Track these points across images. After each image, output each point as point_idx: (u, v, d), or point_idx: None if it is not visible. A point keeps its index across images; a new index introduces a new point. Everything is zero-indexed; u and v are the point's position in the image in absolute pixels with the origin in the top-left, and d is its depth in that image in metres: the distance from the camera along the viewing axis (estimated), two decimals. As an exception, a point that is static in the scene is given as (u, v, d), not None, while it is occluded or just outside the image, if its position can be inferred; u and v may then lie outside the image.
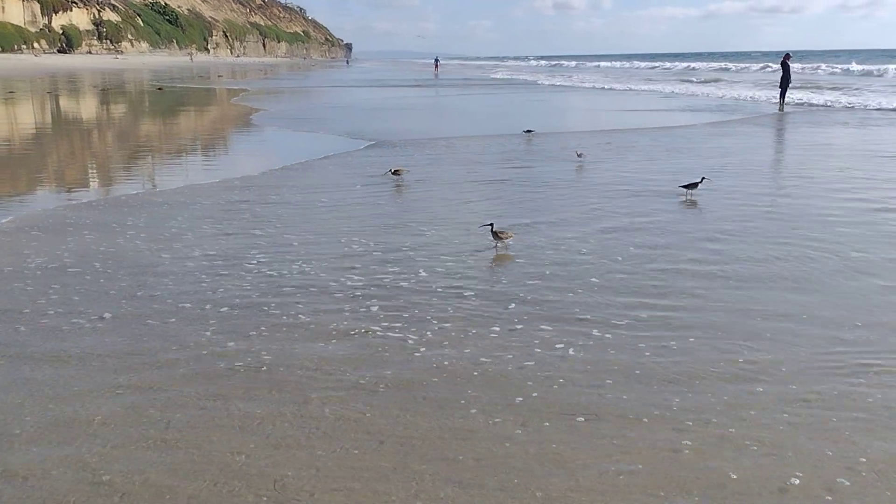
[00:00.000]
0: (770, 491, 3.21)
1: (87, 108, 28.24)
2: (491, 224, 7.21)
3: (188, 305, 5.62)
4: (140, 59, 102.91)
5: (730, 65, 71.16)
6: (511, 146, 15.63)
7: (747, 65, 68.96)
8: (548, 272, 6.45)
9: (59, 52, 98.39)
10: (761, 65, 63.60)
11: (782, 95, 26.22)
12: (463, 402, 4.03)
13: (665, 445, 3.58)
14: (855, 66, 51.74)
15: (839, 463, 3.43)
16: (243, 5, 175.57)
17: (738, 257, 6.94)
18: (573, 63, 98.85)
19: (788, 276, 6.35)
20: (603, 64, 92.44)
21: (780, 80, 26.20)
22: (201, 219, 8.57)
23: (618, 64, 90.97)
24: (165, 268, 6.57)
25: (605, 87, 42.66)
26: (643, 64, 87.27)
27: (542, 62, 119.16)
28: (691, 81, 45.09)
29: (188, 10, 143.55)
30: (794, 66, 26.67)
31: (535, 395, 4.12)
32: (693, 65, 76.48)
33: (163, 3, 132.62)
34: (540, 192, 10.36)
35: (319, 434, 3.69)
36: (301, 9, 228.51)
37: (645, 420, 3.83)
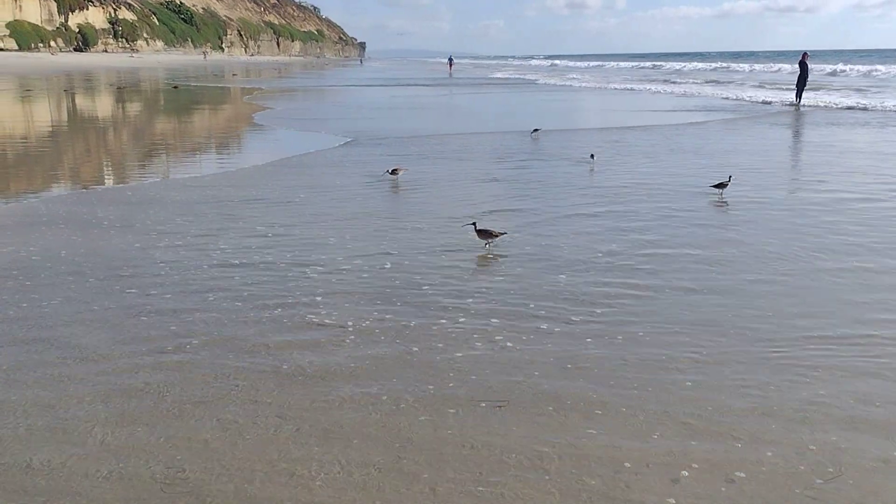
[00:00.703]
0: (663, 481, 3.21)
1: (103, 106, 28.48)
2: (474, 223, 7.00)
3: (134, 291, 5.72)
4: (155, 57, 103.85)
5: (742, 65, 70.47)
6: (508, 144, 15.58)
7: (760, 65, 68.33)
8: (518, 269, 6.38)
9: (75, 50, 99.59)
10: (768, 65, 62.95)
11: (799, 94, 26.23)
12: (375, 389, 4.06)
13: (567, 432, 3.59)
14: (873, 67, 51.05)
15: (741, 456, 3.41)
16: (258, 4, 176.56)
17: (721, 257, 6.84)
18: (583, 63, 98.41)
19: (770, 279, 6.29)
20: (617, 64, 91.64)
21: (797, 79, 26.20)
22: (174, 212, 8.66)
23: (629, 63, 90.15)
24: (131, 257, 6.65)
25: (605, 87, 42.20)
26: (649, 64, 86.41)
27: (546, 62, 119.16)
28: (700, 83, 44.60)
29: (203, 8, 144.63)
30: (811, 67, 26.63)
31: (451, 385, 4.13)
32: (705, 65, 75.81)
33: (178, 2, 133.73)
34: (532, 191, 10.21)
35: (229, 419, 3.73)
36: (315, 8, 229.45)
37: (550, 408, 3.84)
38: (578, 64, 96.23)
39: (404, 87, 45.12)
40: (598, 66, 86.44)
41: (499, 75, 67.02)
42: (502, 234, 7.01)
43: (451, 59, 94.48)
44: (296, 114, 24.29)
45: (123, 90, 37.18)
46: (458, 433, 3.59)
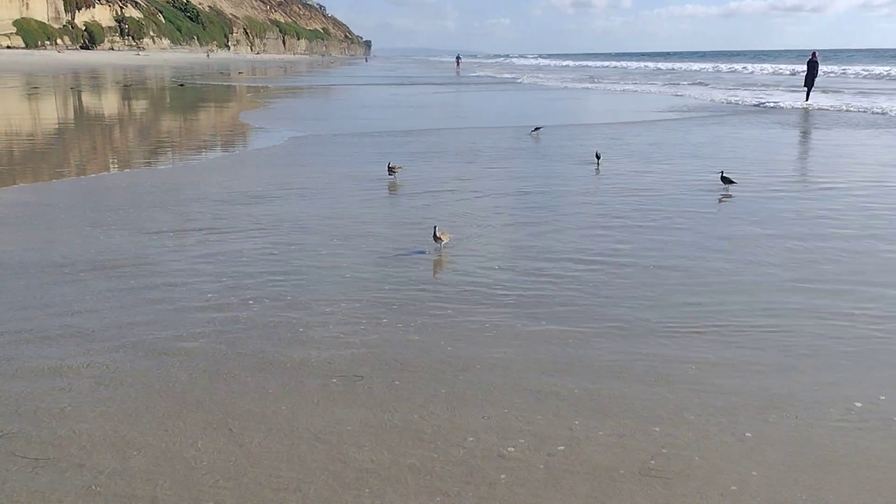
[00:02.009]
0: (490, 455, 3.44)
1: (108, 103, 28.66)
2: (434, 227, 6.82)
3: (43, 270, 6.18)
4: (161, 55, 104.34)
5: (748, 65, 70.17)
6: (480, 140, 15.67)
7: (766, 65, 68.14)
8: (457, 262, 6.50)
9: (81, 48, 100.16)
10: (762, 65, 62.29)
11: (808, 94, 26.53)
12: (236, 361, 4.45)
13: (405, 406, 3.88)
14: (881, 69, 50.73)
15: (566, 432, 3.63)
16: (263, 2, 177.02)
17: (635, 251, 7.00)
18: (580, 62, 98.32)
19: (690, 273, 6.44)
20: (626, 63, 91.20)
21: (805, 78, 26.55)
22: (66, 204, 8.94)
23: (626, 63, 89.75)
24: (68, 238, 6.88)
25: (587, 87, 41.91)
26: (651, 64, 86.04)
27: (537, 61, 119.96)
28: (686, 83, 44.48)
29: (209, 7, 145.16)
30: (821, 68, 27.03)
31: (323, 355, 4.52)
32: (708, 65, 75.60)
33: (184, 1, 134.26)
34: (492, 192, 10.16)
35: (108, 390, 4.07)
36: (321, 6, 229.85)
37: (398, 382, 4.16)
38: (571, 63, 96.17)
39: (401, 86, 45.07)
40: (583, 65, 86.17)
41: (481, 73, 66.36)
42: (450, 234, 6.94)
43: (458, 58, 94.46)
44: (285, 113, 24.37)
45: (130, 88, 37.55)
46: (319, 406, 3.93)
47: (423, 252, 6.89)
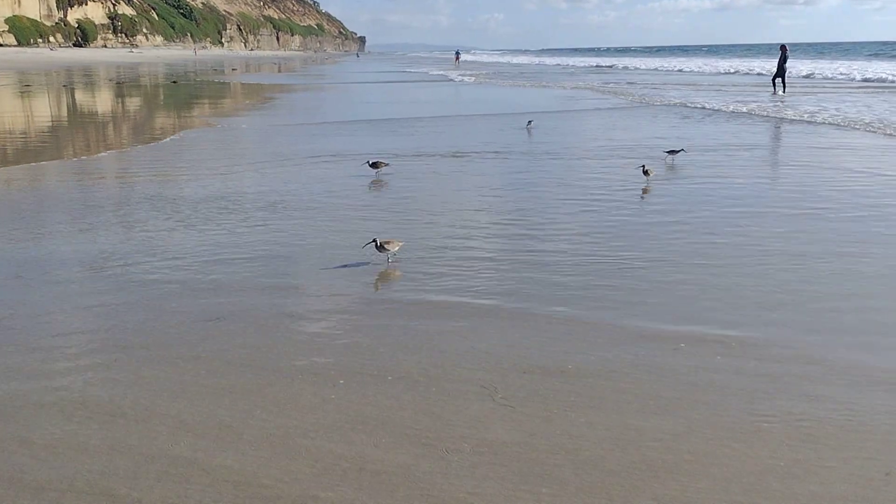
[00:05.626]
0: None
1: (101, 101, 28.44)
2: (374, 240, 5.99)
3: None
4: (154, 52, 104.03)
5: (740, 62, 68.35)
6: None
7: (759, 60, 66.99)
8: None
9: (74, 45, 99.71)
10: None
11: (774, 84, 26.97)
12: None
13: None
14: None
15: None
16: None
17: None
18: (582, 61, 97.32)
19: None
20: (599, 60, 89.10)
21: (777, 70, 26.86)
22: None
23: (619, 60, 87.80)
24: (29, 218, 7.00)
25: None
26: (648, 61, 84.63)
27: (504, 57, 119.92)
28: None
29: (202, 3, 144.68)
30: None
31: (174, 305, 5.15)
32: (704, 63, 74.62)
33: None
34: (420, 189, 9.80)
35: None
36: (315, 2, 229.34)
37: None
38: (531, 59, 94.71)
39: (397, 83, 44.49)
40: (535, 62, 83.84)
41: (418, 69, 65.06)
42: (400, 242, 6.16)
43: (457, 53, 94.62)
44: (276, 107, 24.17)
45: (122, 85, 37.28)
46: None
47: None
